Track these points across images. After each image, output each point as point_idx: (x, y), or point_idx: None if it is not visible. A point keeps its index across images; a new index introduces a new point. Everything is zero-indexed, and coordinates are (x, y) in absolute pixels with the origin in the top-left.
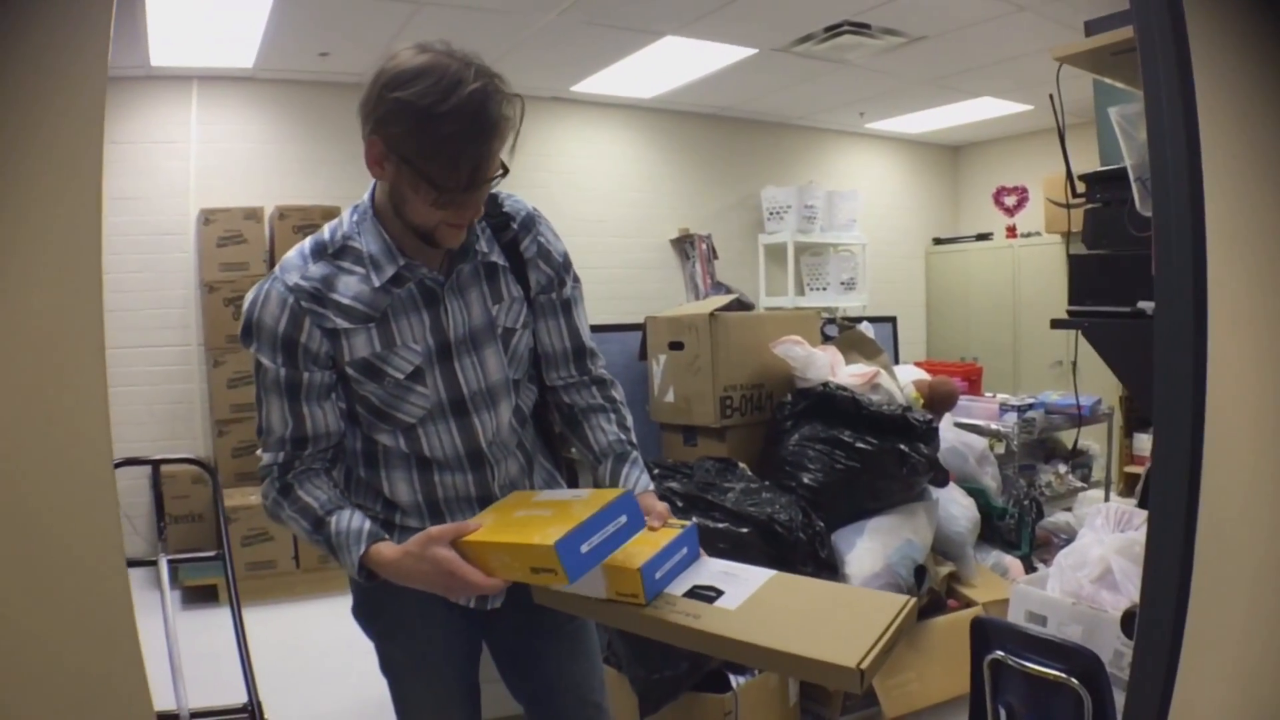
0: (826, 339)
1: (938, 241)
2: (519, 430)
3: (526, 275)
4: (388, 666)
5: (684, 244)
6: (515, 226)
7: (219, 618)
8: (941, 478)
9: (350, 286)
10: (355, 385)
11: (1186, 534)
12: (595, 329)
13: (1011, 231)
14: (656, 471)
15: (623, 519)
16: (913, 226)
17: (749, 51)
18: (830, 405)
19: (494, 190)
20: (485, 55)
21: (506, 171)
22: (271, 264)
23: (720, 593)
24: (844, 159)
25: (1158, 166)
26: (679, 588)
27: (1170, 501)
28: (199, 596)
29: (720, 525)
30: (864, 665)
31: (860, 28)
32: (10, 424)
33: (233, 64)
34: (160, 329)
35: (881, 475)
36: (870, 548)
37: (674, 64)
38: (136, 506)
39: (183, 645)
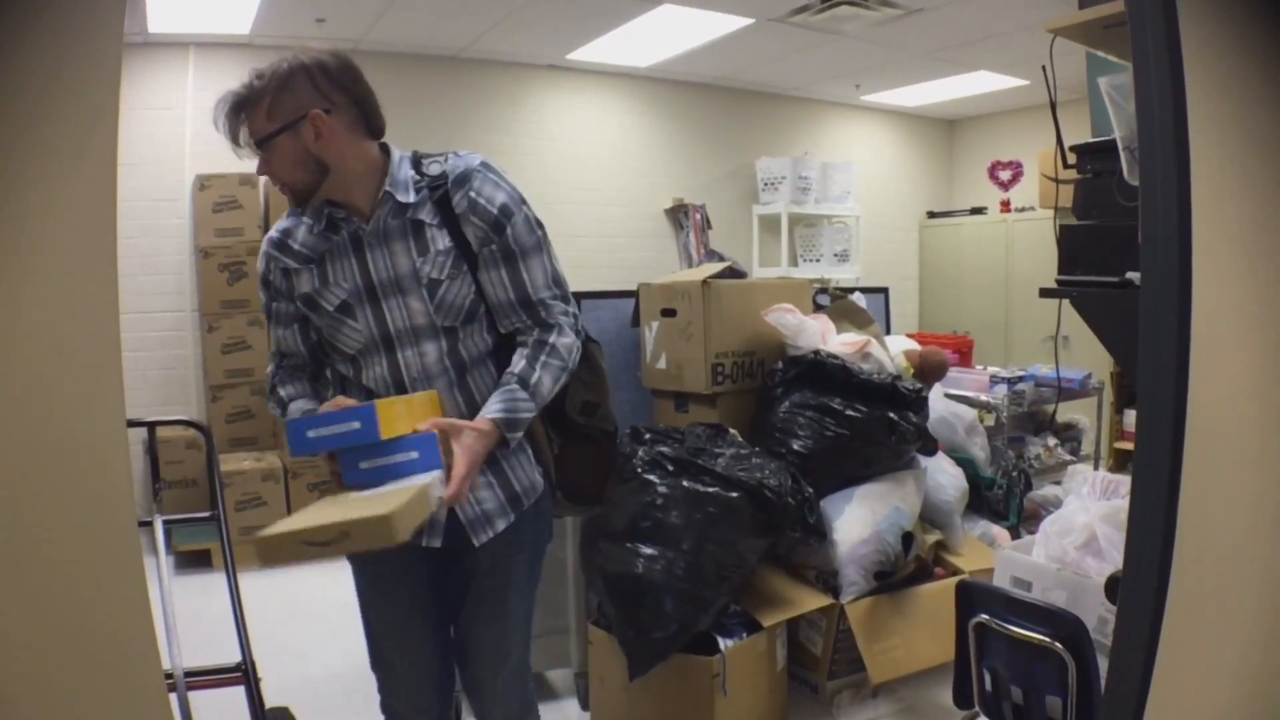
0: (818, 308)
1: (932, 215)
2: (450, 372)
3: (461, 230)
4: (357, 593)
5: (678, 214)
6: (447, 184)
7: (212, 583)
8: (930, 446)
9: (302, 235)
10: (309, 316)
11: (1169, 500)
12: (588, 295)
13: (1006, 206)
14: (648, 436)
15: (355, 424)
16: (907, 199)
17: (746, 21)
18: (821, 373)
19: (453, 152)
20: (479, 23)
21: (275, 133)
22: (266, 229)
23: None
24: (839, 131)
25: (1145, 136)
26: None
27: (1153, 467)
28: (192, 562)
29: (710, 490)
30: (392, 513)
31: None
32: (30, 387)
33: (229, 30)
34: (155, 294)
35: (871, 443)
36: (859, 514)
37: (670, 32)
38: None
39: (177, 610)
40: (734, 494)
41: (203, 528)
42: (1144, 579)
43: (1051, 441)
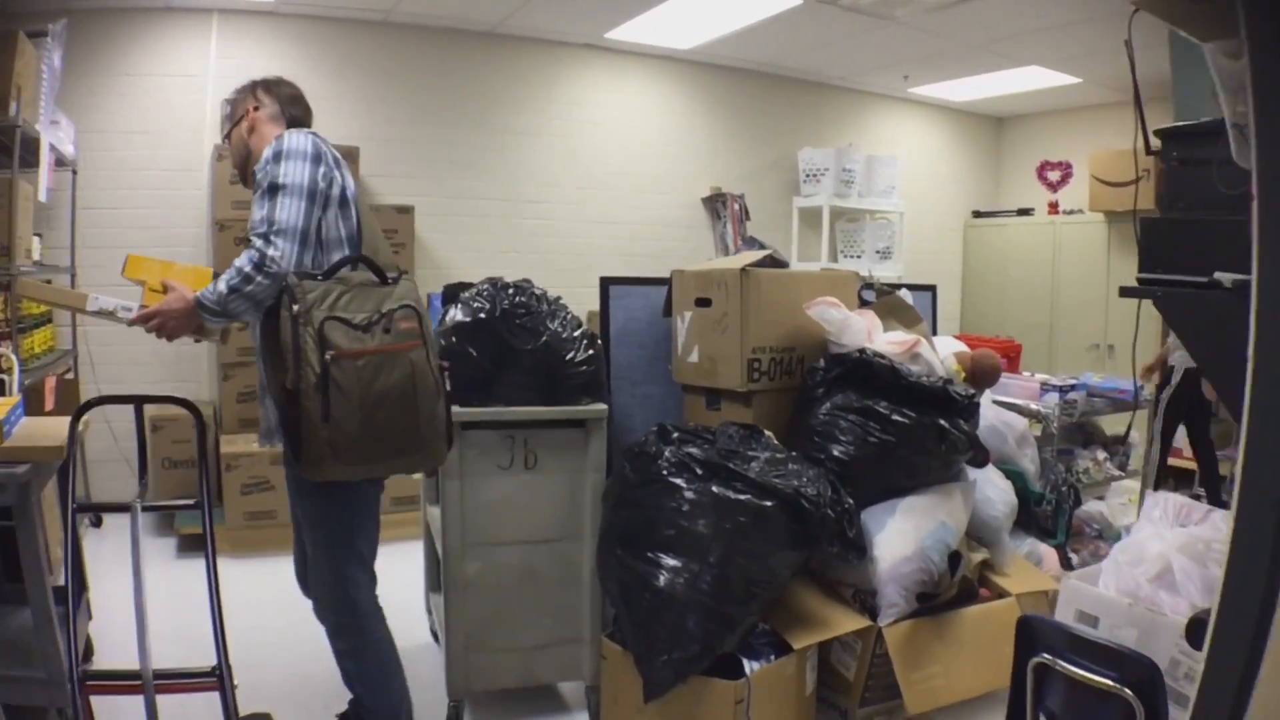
0: (863, 303)
1: (977, 215)
2: None
3: None
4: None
5: (715, 203)
6: None
7: (220, 568)
8: (981, 457)
9: None
10: None
11: (1277, 538)
12: (617, 281)
13: (1054, 208)
14: (676, 435)
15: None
16: (952, 198)
17: (794, 2)
18: (866, 373)
19: (280, 134)
20: None
21: (224, 138)
22: None
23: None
24: (885, 124)
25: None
26: None
27: (1263, 500)
28: (197, 544)
29: (742, 497)
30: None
31: None
32: None
33: None
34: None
35: (918, 451)
36: (902, 529)
37: (715, 12)
38: (134, 450)
39: (175, 596)
40: (768, 502)
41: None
42: (1240, 624)
43: (1101, 455)
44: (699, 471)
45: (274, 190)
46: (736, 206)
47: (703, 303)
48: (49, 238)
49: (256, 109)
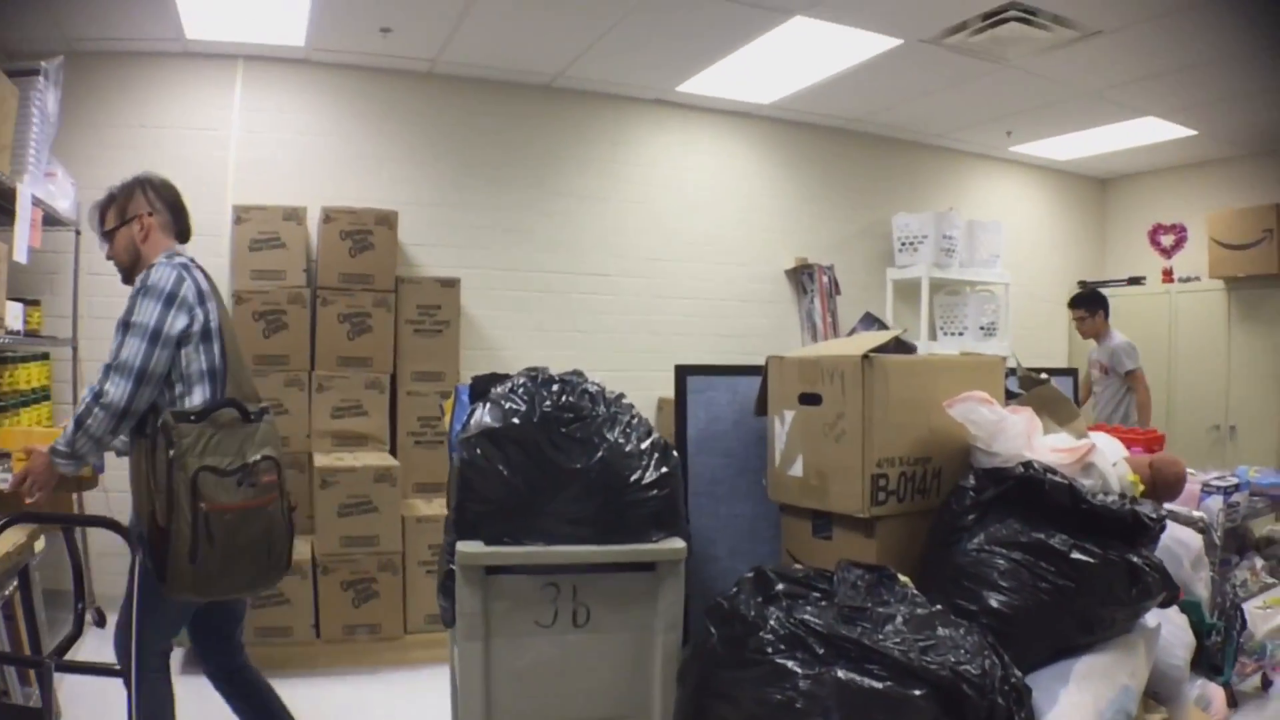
0: (1009, 396)
1: (1083, 285)
2: None
3: None
4: None
5: (801, 275)
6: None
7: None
8: (1172, 596)
9: None
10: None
11: None
12: (697, 371)
13: (1168, 275)
14: (780, 588)
15: None
16: (1056, 267)
17: (893, 42)
18: (1032, 495)
19: (156, 261)
20: (572, 44)
21: (106, 233)
22: (314, 273)
23: None
24: (984, 186)
25: None
26: None
27: None
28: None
29: (879, 684)
30: None
31: (1028, 14)
32: None
33: (282, 41)
34: None
35: (1105, 600)
36: (1079, 703)
37: (800, 57)
38: None
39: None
40: (915, 691)
41: None
42: None
43: (1259, 563)
44: (818, 649)
45: (125, 327)
46: (825, 279)
47: (809, 399)
48: (48, 304)
49: (150, 214)
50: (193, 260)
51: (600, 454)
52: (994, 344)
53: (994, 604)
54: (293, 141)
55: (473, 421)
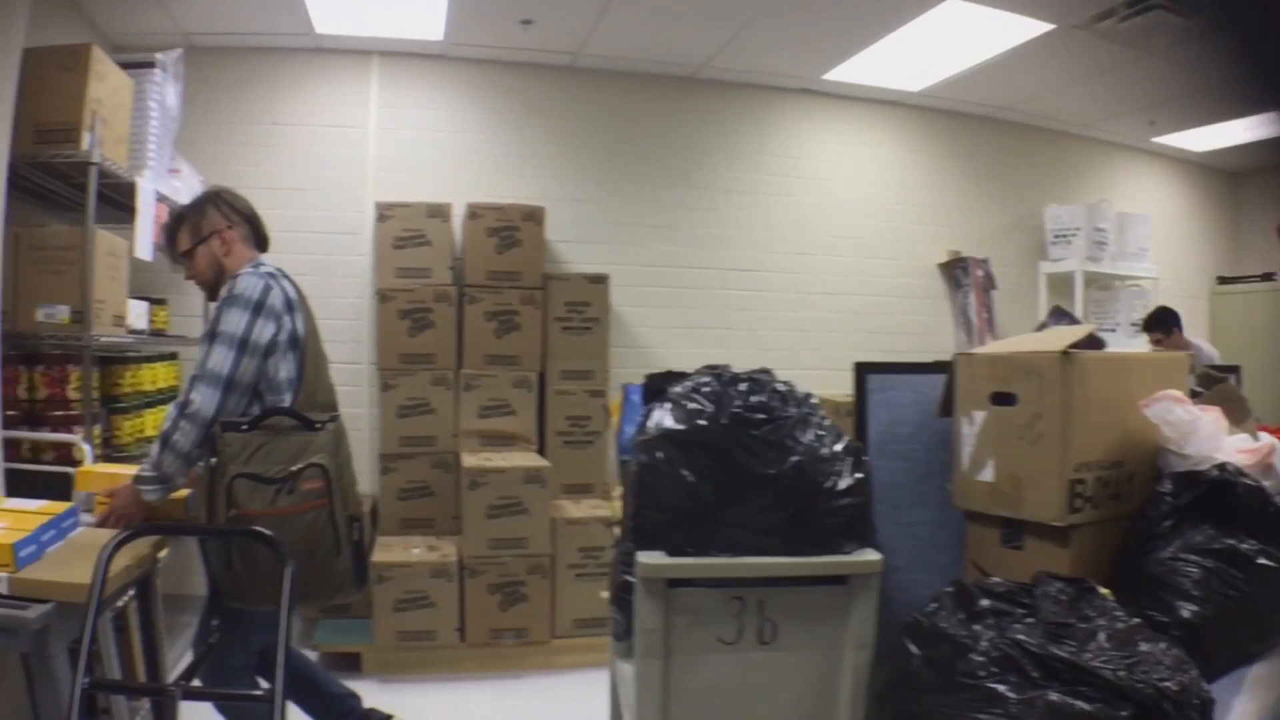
0: (1192, 395)
1: (1223, 280)
2: None
3: None
4: None
5: (955, 269)
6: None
7: (364, 691)
8: None
9: None
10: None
11: None
12: (878, 369)
13: None
14: (985, 604)
15: None
16: (1194, 262)
17: (1045, 27)
18: (1225, 499)
19: (241, 271)
20: (717, 33)
21: (183, 254)
22: (461, 271)
23: None
24: (1127, 178)
25: None
26: None
27: None
28: (340, 664)
29: (1089, 706)
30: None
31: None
32: None
33: (419, 35)
34: (329, 342)
35: (1277, 607)
36: (1245, 712)
37: (951, 42)
38: None
39: None
40: (1122, 712)
41: (351, 627)
42: None
43: None
44: (1031, 671)
45: (211, 337)
46: (980, 273)
47: (1002, 399)
48: (175, 304)
49: (230, 227)
50: (280, 269)
51: (794, 458)
52: (1143, 341)
53: (1185, 614)
54: (432, 138)
55: (651, 423)
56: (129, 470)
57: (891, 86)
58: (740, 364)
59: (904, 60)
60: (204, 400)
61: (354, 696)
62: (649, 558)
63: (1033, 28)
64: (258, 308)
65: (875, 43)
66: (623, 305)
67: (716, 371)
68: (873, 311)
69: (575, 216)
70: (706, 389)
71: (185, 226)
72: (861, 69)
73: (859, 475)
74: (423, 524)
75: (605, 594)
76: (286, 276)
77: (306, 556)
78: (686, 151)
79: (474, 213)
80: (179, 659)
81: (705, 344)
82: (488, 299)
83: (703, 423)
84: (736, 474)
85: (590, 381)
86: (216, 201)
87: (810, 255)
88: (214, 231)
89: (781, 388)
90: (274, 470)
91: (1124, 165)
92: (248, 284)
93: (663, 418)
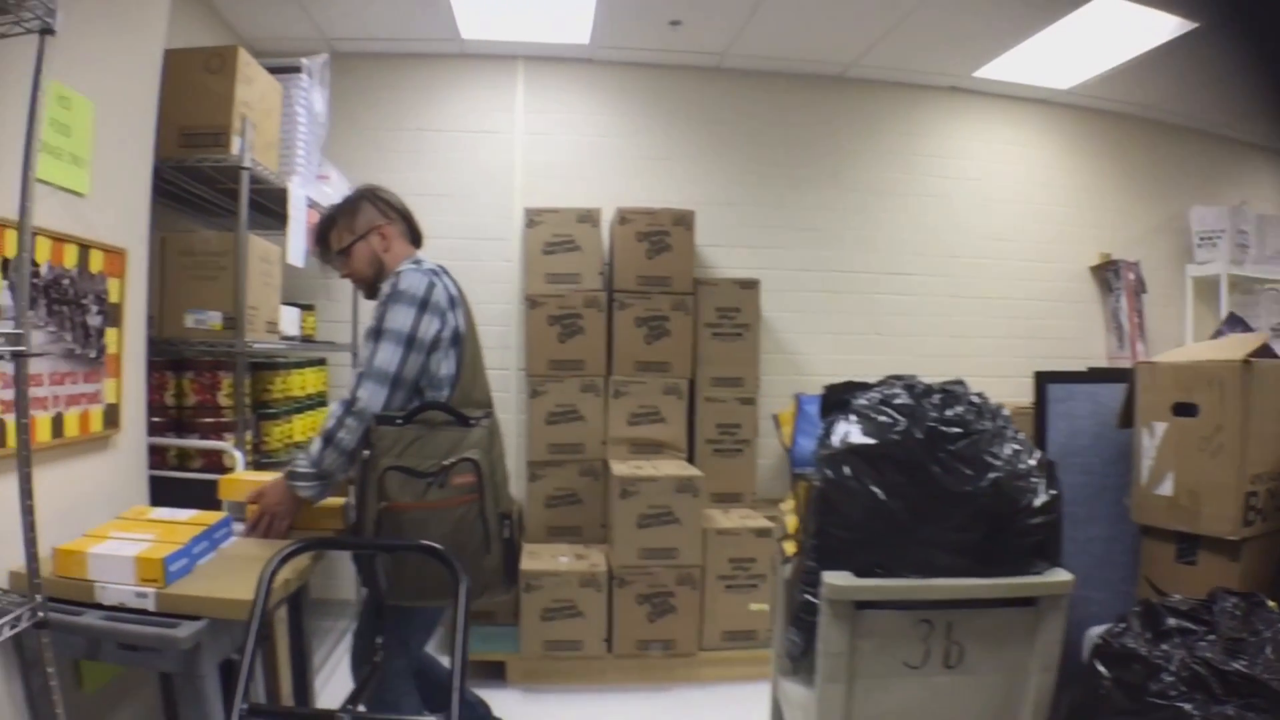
0: None
1: None
2: None
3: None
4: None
5: (1106, 273)
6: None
7: (508, 701)
8: None
9: None
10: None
11: None
12: (1058, 378)
13: None
14: (1171, 624)
15: None
16: None
17: (1189, 26)
18: None
19: (402, 268)
20: (867, 32)
21: (340, 252)
22: (610, 276)
23: None
24: (1266, 179)
25: None
26: None
27: None
28: (484, 673)
29: (1260, 718)
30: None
31: None
32: None
33: (564, 39)
34: None
35: None
36: None
37: (1099, 41)
38: None
39: None
40: None
41: (498, 635)
42: None
43: None
44: (1216, 688)
45: (377, 334)
46: (1131, 276)
47: (1184, 410)
48: (323, 310)
49: (389, 223)
50: (441, 266)
51: (992, 475)
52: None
53: None
54: (578, 142)
55: (836, 437)
56: (272, 479)
57: (1040, 84)
58: (892, 371)
59: (1053, 57)
60: (371, 397)
61: (483, 704)
62: (837, 578)
63: (1177, 25)
64: (423, 304)
65: (1027, 39)
66: (770, 310)
67: (907, 382)
68: (1025, 315)
69: (722, 220)
70: (898, 401)
71: (341, 223)
72: (1012, 66)
73: (1053, 492)
74: (569, 532)
75: (755, 607)
76: (447, 273)
77: (455, 552)
78: (835, 152)
79: (624, 217)
80: (318, 668)
81: (855, 350)
82: (637, 305)
83: (896, 437)
84: (930, 491)
85: (740, 389)
86: (372, 198)
87: (961, 258)
88: (373, 228)
89: (976, 400)
90: (426, 464)
91: (1262, 167)
92: (413, 280)
93: (849, 431)
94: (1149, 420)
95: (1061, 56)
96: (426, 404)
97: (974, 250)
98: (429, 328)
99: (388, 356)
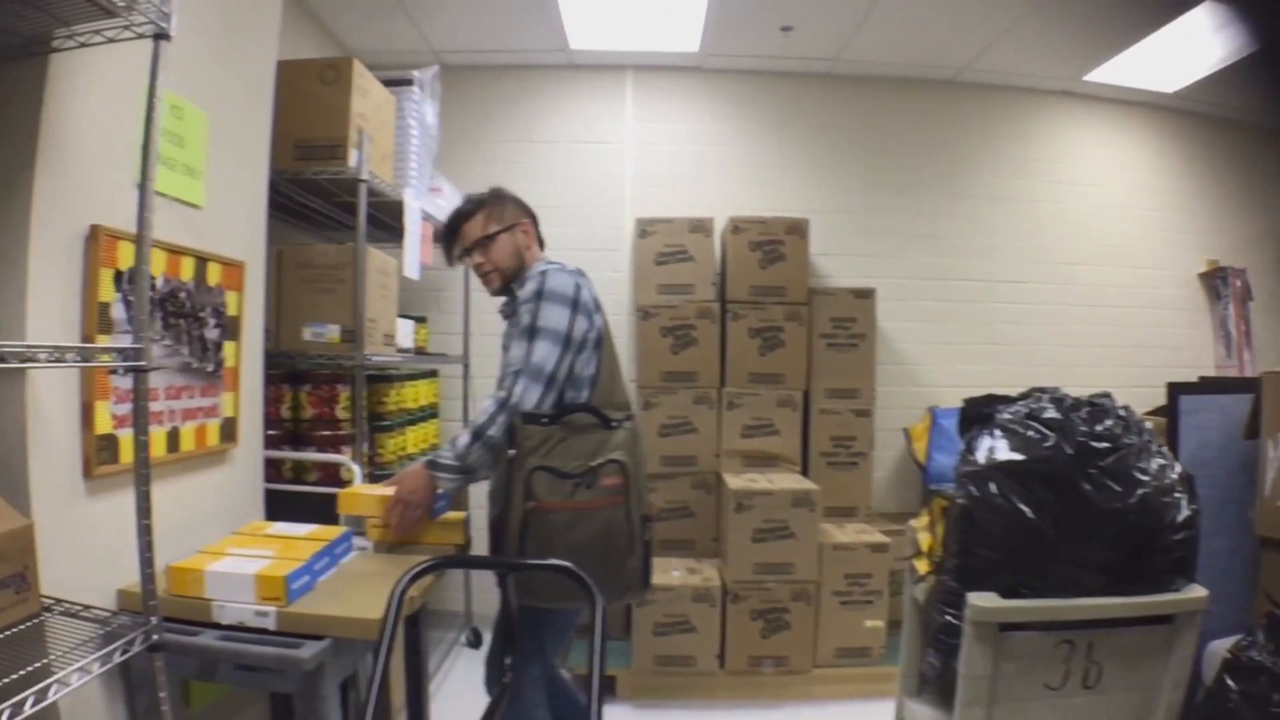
0: None
1: None
2: None
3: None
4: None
5: (1214, 280)
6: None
7: (619, 716)
8: None
9: None
10: None
11: None
12: (1191, 389)
13: None
14: None
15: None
16: None
17: None
18: None
19: (544, 267)
20: (979, 36)
21: (472, 248)
22: (723, 286)
23: None
24: None
25: None
26: None
27: None
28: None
29: None
30: None
31: None
32: None
33: (673, 48)
34: None
35: None
36: None
37: (1205, 44)
38: None
39: None
40: None
41: (610, 646)
42: None
43: None
44: None
45: (532, 333)
46: (1239, 283)
47: None
48: (434, 322)
49: (530, 222)
50: (579, 269)
51: (1140, 491)
52: None
53: None
54: (688, 151)
55: (980, 453)
56: (389, 493)
57: (1147, 87)
58: (1010, 381)
59: (1161, 60)
60: (526, 395)
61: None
62: (983, 599)
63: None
64: (575, 305)
65: (1138, 42)
66: (882, 320)
67: (1053, 395)
68: (1135, 324)
69: (835, 228)
70: (1046, 415)
71: (489, 212)
72: (1122, 69)
73: (1194, 507)
74: (681, 545)
75: (870, 623)
76: (586, 276)
77: (601, 553)
78: (947, 158)
79: (736, 227)
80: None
81: (971, 360)
82: (751, 315)
83: (1046, 453)
84: (1079, 509)
85: (856, 400)
86: (509, 198)
87: (1076, 265)
88: (517, 222)
89: (1122, 413)
90: (573, 465)
91: None
92: (561, 281)
93: (995, 446)
94: (1274, 431)
95: (1168, 59)
96: (573, 405)
97: (1086, 257)
98: (580, 328)
99: (545, 354)
